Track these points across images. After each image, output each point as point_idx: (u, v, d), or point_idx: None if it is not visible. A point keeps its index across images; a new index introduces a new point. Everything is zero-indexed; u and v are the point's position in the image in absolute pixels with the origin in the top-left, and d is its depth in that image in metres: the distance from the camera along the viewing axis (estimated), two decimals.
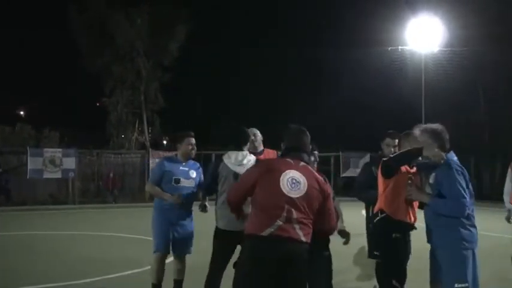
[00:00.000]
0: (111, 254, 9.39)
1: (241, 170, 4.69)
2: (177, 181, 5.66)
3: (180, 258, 5.87)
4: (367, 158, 24.91)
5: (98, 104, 30.60)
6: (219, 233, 5.03)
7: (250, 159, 5.04)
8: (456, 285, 4.11)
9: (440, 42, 24.41)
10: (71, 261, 8.57)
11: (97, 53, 24.86)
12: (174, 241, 5.70)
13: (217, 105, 36.15)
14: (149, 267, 7.98)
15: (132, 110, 26.13)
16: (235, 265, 3.73)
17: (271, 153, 6.06)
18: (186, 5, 25.68)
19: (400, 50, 25.25)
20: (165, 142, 33.24)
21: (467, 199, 4.18)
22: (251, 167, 4.19)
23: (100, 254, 9.39)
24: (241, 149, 5.05)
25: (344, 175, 25.10)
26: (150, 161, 22.69)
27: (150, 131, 27.44)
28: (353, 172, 25.08)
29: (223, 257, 4.91)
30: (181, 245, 5.76)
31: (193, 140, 5.78)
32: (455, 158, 4.34)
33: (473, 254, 4.23)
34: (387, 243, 4.64)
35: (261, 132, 6.16)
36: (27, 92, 40.19)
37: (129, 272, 7.73)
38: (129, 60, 25.31)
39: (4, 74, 35.65)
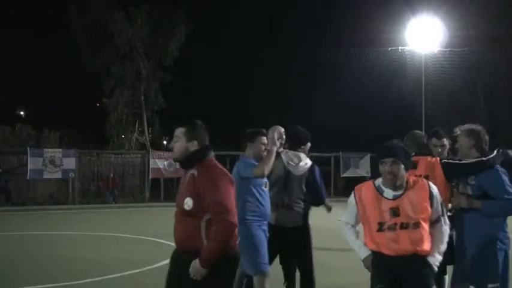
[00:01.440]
0: (111, 255, 9.39)
1: (294, 170, 4.96)
2: (266, 184, 4.97)
3: None
4: (367, 158, 24.93)
5: (98, 105, 30.59)
6: (269, 229, 5.03)
7: (306, 162, 5.10)
8: (490, 286, 4.15)
9: (440, 43, 24.39)
10: (71, 261, 8.57)
11: (97, 53, 24.84)
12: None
13: (217, 105, 36.10)
14: (149, 267, 8.01)
15: (132, 110, 26.10)
16: None
17: None
18: (186, 5, 25.68)
19: (400, 50, 25.25)
20: (165, 142, 33.20)
21: None
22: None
23: (100, 254, 9.39)
24: (294, 149, 5.11)
25: (344, 175, 25.09)
26: (150, 161, 22.70)
27: (150, 131, 27.41)
28: (353, 172, 25.06)
29: (271, 250, 4.93)
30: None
31: (266, 139, 5.00)
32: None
33: (506, 255, 4.28)
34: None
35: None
36: (27, 92, 40.23)
37: (129, 272, 7.72)
38: (129, 60, 25.30)
39: (4, 74, 35.68)
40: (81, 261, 8.55)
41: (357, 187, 3.75)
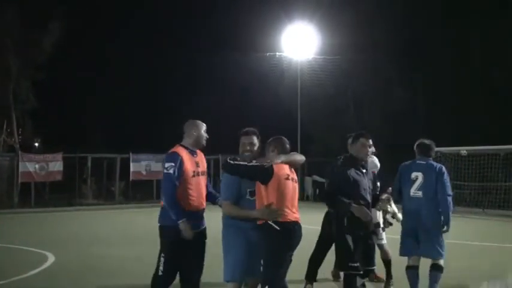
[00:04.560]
0: None
1: None
2: (253, 193, 4.70)
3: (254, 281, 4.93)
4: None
5: None
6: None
7: None
8: None
9: (314, 50, 25.58)
10: None
11: None
12: (249, 264, 4.68)
13: (95, 106, 34.79)
14: (16, 278, 7.54)
15: (0, 110, 24.42)
16: None
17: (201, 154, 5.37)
18: (60, 1, 24.48)
19: (277, 56, 26.09)
20: (36, 144, 31.42)
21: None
22: None
23: None
24: None
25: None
26: (20, 165, 21.38)
27: (20, 132, 25.82)
28: None
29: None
30: (256, 267, 4.67)
31: (250, 139, 4.90)
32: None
33: None
34: None
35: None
36: None
37: None
38: None
39: None
40: None
41: None
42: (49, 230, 13.92)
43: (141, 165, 23.51)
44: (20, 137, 25.57)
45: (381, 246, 6.76)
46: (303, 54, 25.30)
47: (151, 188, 24.36)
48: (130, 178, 23.47)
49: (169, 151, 4.97)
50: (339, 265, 5.50)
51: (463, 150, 18.36)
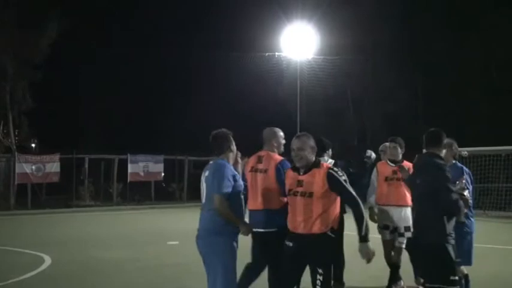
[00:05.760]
0: None
1: None
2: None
3: None
4: (244, 162, 25.22)
5: None
6: None
7: (329, 162, 6.11)
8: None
9: (314, 50, 25.49)
10: None
11: None
12: None
13: (92, 106, 34.64)
14: (13, 280, 7.39)
15: None
16: None
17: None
18: (58, 1, 24.36)
19: (277, 56, 25.99)
20: (33, 145, 31.29)
21: None
22: None
23: None
24: (321, 156, 5.94)
25: None
26: (17, 166, 21.24)
27: (16, 133, 25.64)
28: None
29: None
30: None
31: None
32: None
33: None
34: None
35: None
36: None
37: None
38: None
39: None
40: None
41: None
42: (46, 232, 13.77)
43: (139, 166, 23.38)
44: (16, 138, 25.43)
45: (398, 250, 6.40)
46: (303, 55, 25.18)
47: (149, 189, 24.22)
48: (128, 179, 23.34)
49: (283, 159, 5.22)
50: (437, 278, 4.60)
51: (464, 151, 18.18)
